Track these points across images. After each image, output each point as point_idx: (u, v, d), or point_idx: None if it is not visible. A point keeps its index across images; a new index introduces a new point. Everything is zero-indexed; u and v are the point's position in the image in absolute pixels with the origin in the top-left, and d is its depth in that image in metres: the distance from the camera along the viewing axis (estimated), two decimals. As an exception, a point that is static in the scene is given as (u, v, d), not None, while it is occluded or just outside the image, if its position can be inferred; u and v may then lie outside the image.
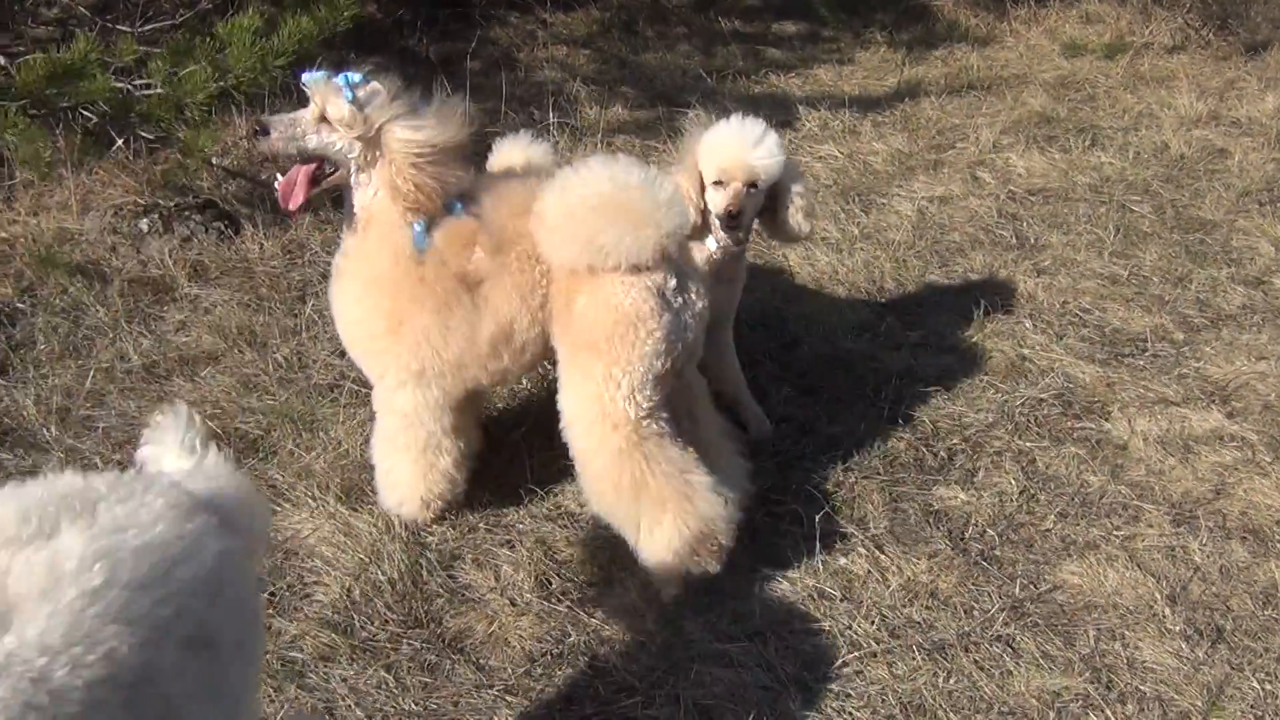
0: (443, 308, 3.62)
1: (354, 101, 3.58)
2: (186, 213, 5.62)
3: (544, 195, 3.57)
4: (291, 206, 3.68)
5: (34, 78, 5.07)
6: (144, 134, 5.62)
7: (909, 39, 8.95)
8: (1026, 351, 4.96)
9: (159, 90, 5.33)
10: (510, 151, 4.40)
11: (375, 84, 3.63)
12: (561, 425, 3.64)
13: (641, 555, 3.63)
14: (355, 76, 3.61)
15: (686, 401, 3.87)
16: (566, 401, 3.63)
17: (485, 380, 3.81)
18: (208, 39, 5.39)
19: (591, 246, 3.47)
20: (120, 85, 5.36)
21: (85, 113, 5.36)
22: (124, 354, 4.72)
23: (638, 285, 3.49)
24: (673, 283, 3.56)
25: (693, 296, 3.63)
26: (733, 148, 4.04)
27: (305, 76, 3.63)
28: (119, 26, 6.11)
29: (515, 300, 3.65)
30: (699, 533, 3.56)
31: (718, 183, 4.06)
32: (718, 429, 4.02)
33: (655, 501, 3.54)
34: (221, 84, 5.31)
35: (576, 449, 3.64)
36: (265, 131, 3.59)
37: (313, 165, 3.66)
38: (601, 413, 3.53)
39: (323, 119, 3.60)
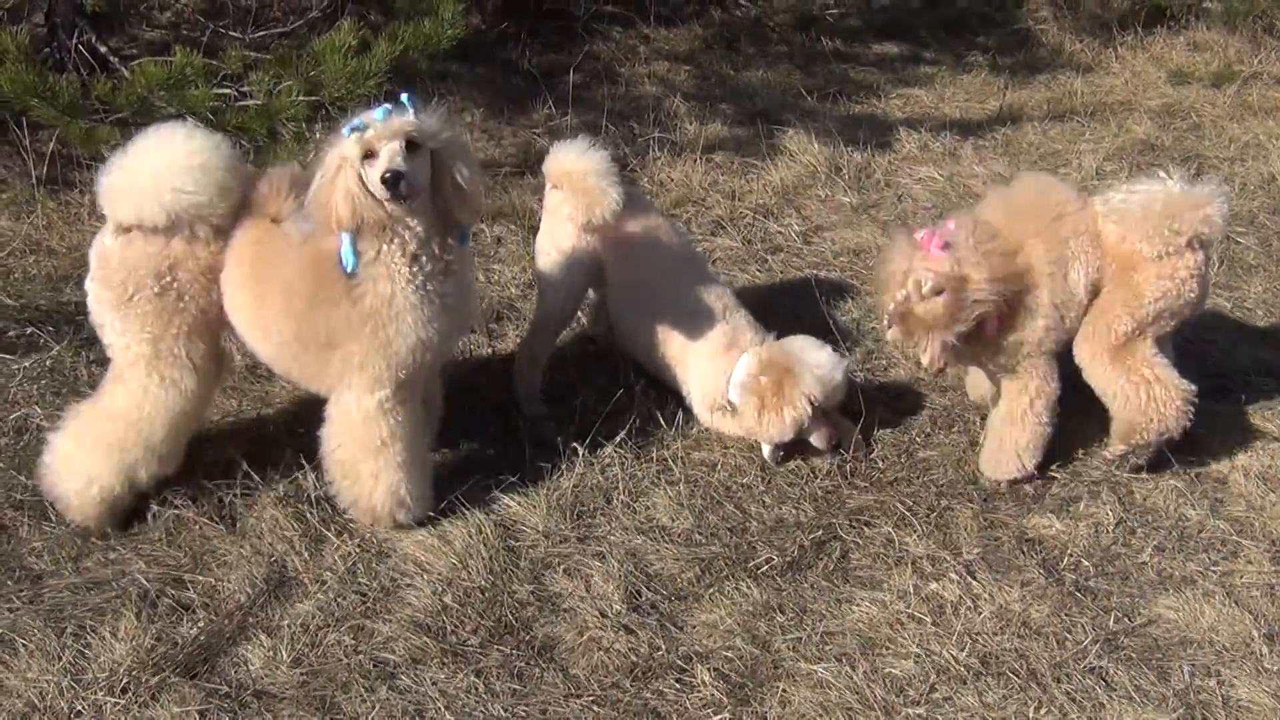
0: None
1: None
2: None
3: None
4: None
5: (144, 84, 5.18)
6: (243, 145, 5.70)
7: (1011, 63, 8.86)
8: (1126, 381, 4.88)
9: (257, 102, 5.41)
10: (566, 156, 4.44)
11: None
12: None
13: None
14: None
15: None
16: None
17: None
18: (303, 55, 5.45)
19: None
20: (226, 92, 5.45)
21: (191, 120, 5.45)
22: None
23: None
24: None
25: None
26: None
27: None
28: (230, 33, 6.22)
29: None
30: None
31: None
32: None
33: None
34: (314, 99, 5.38)
35: None
36: None
37: None
38: None
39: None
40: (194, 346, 3.82)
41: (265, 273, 3.76)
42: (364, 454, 3.85)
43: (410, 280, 3.66)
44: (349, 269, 3.64)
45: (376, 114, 3.54)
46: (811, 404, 4.23)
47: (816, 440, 4.35)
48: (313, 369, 3.86)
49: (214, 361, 3.95)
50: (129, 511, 3.97)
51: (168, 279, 3.75)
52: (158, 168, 3.70)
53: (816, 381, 4.24)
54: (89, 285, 3.86)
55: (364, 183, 3.53)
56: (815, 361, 4.29)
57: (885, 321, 4.11)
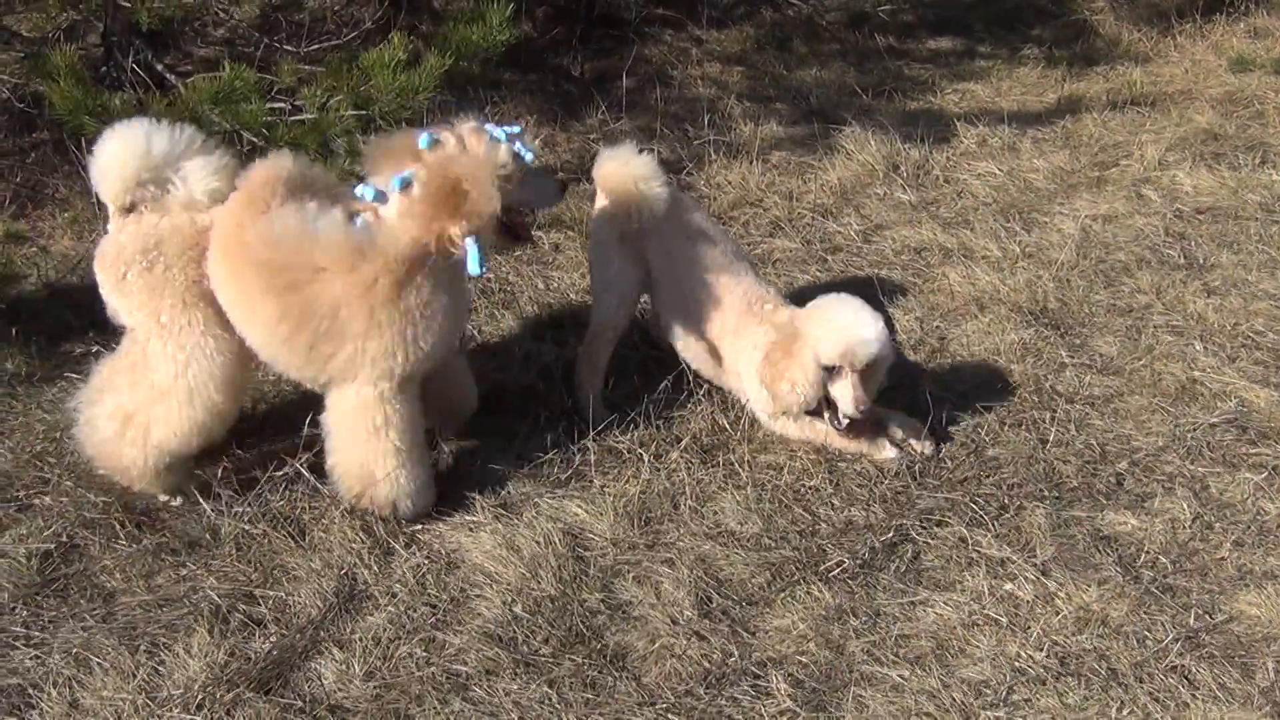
0: None
1: None
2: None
3: None
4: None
5: (196, 100, 5.21)
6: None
7: (1068, 55, 8.77)
8: (1198, 374, 4.81)
9: (310, 116, 5.42)
10: (613, 163, 4.43)
11: None
12: None
13: None
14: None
15: None
16: None
17: None
18: (354, 69, 5.46)
19: None
20: (279, 107, 5.46)
21: (245, 134, 5.48)
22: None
23: None
24: None
25: None
26: None
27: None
28: (285, 46, 6.25)
29: None
30: None
31: None
32: None
33: None
34: (365, 113, 5.38)
35: None
36: None
37: None
38: None
39: None
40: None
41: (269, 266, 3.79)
42: (362, 441, 3.92)
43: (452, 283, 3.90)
44: (478, 272, 3.79)
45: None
46: (823, 363, 4.20)
47: (842, 401, 4.24)
48: (314, 362, 3.90)
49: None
50: (189, 472, 4.13)
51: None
52: None
53: (826, 339, 4.18)
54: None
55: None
56: (830, 320, 4.25)
57: None
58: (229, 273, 3.82)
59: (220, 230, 3.84)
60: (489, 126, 3.88)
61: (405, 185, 3.78)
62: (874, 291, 5.32)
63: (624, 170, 4.41)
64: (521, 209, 4.11)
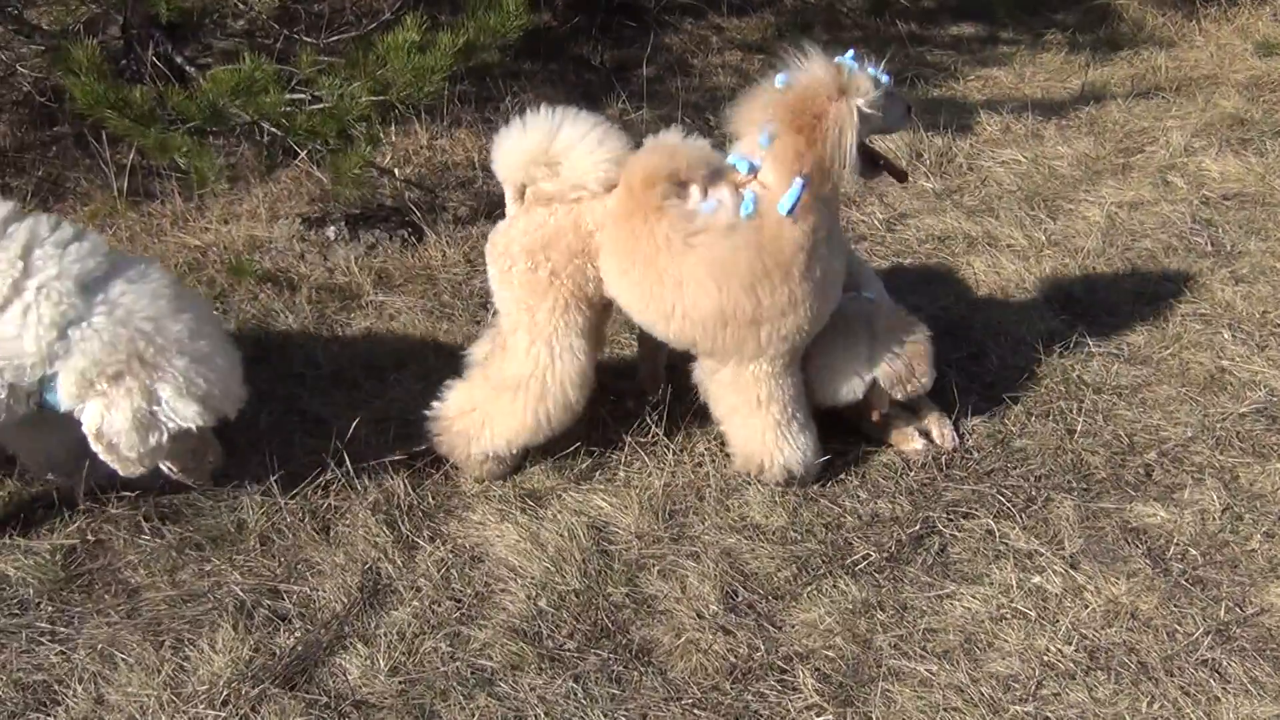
0: None
1: None
2: (371, 220, 5.72)
3: None
4: None
5: (217, 92, 5.20)
6: (317, 148, 5.70)
7: (1091, 40, 8.69)
8: (1226, 363, 4.77)
9: (327, 105, 5.40)
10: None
11: None
12: None
13: None
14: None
15: None
16: None
17: None
18: (370, 55, 5.44)
19: None
20: (299, 97, 5.45)
21: (265, 125, 5.46)
22: (313, 359, 4.81)
23: None
24: None
25: None
26: None
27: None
28: (305, 38, 6.22)
29: None
30: None
31: None
32: None
33: None
34: (382, 98, 5.37)
35: None
36: None
37: None
38: None
39: None
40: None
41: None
42: (748, 414, 4.07)
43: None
44: (787, 211, 3.79)
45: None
46: None
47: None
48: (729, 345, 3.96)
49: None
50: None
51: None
52: None
53: None
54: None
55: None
56: None
57: None
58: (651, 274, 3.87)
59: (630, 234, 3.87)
60: (840, 58, 3.85)
61: (772, 141, 3.82)
62: (898, 280, 5.29)
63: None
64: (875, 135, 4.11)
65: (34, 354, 3.51)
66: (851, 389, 4.21)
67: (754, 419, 4.04)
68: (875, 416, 4.27)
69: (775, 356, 3.95)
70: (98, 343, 3.52)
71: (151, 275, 3.70)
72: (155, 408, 3.58)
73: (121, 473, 3.74)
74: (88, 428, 3.61)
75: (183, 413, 3.60)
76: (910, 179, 4.24)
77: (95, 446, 3.65)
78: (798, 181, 3.76)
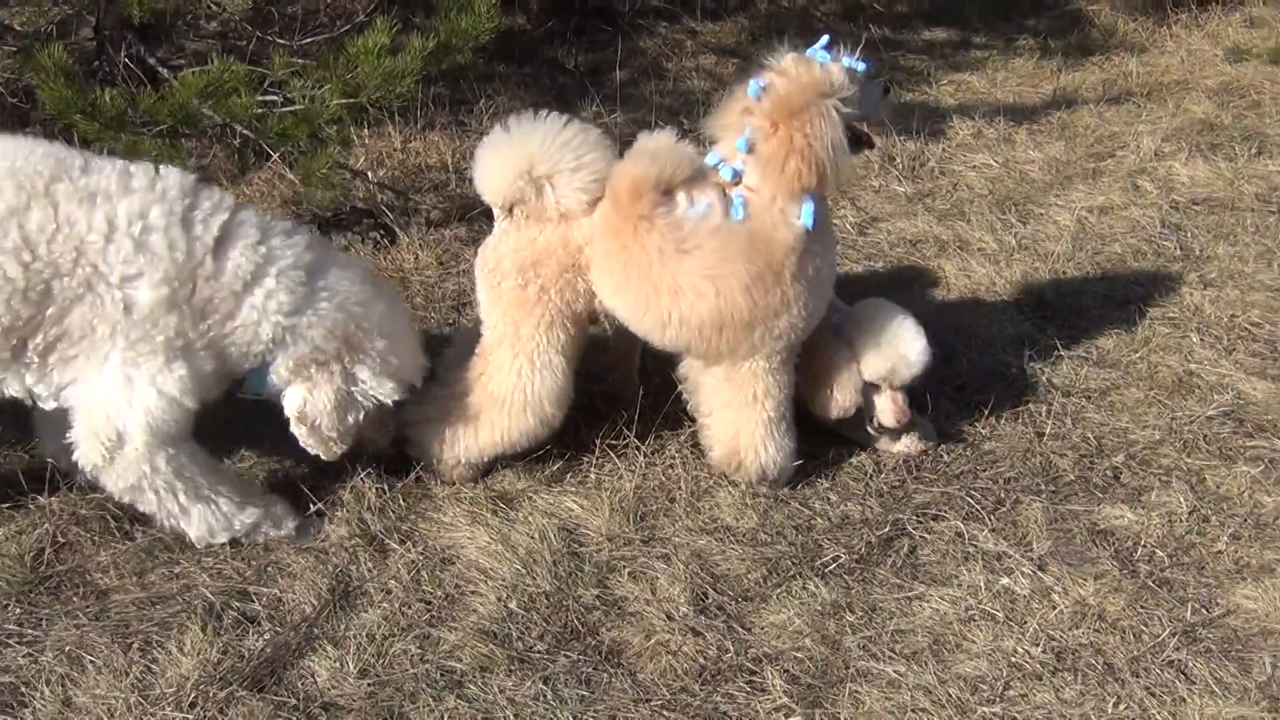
0: None
1: None
2: (344, 223, 5.71)
3: None
4: None
5: (187, 94, 5.18)
6: (290, 150, 5.69)
7: (1063, 46, 8.75)
8: (1194, 366, 4.80)
9: (299, 107, 5.39)
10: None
11: None
12: None
13: None
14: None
15: None
16: None
17: None
18: (340, 57, 5.43)
19: None
20: (271, 99, 5.44)
21: (237, 127, 5.45)
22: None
23: None
24: None
25: None
26: None
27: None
28: (278, 40, 6.22)
29: None
30: None
31: None
32: None
33: None
34: (354, 101, 5.36)
35: None
36: None
37: None
38: None
39: None
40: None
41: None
42: (740, 409, 4.07)
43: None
44: (810, 226, 3.84)
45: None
46: (865, 379, 4.27)
47: (883, 414, 4.30)
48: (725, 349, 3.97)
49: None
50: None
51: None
52: None
53: (874, 356, 4.27)
54: None
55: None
56: (877, 336, 4.32)
57: None
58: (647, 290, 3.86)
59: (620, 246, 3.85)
60: (810, 52, 3.86)
61: (749, 148, 3.83)
62: (870, 284, 5.31)
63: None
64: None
65: (266, 339, 3.65)
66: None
67: (745, 414, 4.05)
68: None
69: (771, 354, 3.97)
70: (321, 329, 3.68)
71: (353, 260, 3.86)
72: (353, 388, 3.77)
73: (322, 454, 3.88)
74: (290, 411, 3.77)
75: (380, 391, 3.80)
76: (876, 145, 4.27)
77: (296, 429, 3.80)
78: (809, 203, 3.82)
